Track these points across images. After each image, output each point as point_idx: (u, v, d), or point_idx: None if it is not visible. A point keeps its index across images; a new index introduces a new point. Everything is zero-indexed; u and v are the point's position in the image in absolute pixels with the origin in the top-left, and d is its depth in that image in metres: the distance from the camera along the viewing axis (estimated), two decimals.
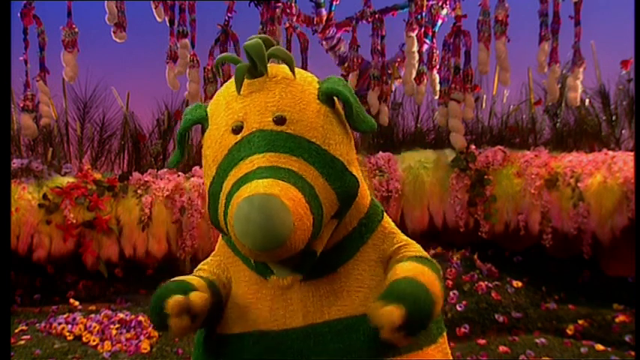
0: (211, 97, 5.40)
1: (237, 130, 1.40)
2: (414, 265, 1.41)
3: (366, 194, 1.53)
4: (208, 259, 1.60)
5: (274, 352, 1.41)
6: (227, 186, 1.35)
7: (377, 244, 1.50)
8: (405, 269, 1.40)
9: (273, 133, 1.38)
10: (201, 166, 4.90)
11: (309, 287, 1.44)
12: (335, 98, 1.47)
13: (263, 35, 1.47)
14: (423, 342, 1.43)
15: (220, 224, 1.40)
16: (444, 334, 1.53)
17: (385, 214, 1.59)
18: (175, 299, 1.35)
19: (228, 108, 1.44)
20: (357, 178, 1.45)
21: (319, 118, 1.42)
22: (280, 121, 1.39)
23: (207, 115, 1.48)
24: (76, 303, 4.06)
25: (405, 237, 1.56)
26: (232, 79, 1.46)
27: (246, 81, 1.43)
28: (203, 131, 1.50)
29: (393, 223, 1.58)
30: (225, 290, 1.52)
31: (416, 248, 1.52)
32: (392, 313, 1.28)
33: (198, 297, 1.39)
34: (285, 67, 1.47)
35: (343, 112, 1.48)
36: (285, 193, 1.28)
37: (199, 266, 1.60)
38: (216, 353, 1.49)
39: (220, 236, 1.59)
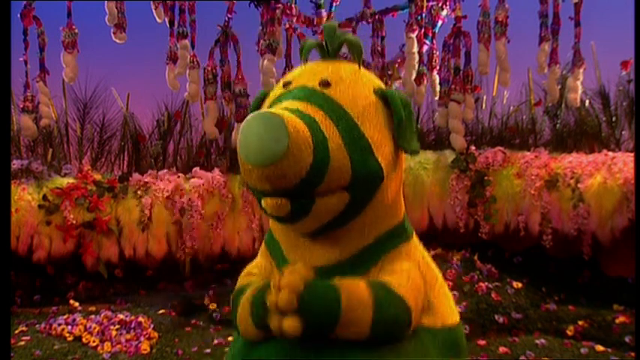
0: (211, 98, 5.35)
1: (286, 84, 1.57)
2: (357, 283, 1.43)
3: (396, 214, 1.58)
4: (254, 261, 1.67)
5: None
6: None
7: (385, 266, 1.51)
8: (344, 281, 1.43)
9: (314, 90, 1.48)
10: (200, 167, 4.86)
11: None
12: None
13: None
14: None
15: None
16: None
17: (415, 236, 1.62)
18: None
19: (288, 74, 1.64)
20: (383, 168, 1.46)
21: (364, 100, 1.48)
22: (325, 84, 1.49)
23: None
24: (76, 304, 4.06)
25: (409, 268, 1.52)
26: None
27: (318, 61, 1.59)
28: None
29: (416, 251, 1.60)
30: None
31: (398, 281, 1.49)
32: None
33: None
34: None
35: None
36: (290, 119, 1.34)
37: (248, 269, 1.65)
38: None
39: (263, 241, 1.66)
